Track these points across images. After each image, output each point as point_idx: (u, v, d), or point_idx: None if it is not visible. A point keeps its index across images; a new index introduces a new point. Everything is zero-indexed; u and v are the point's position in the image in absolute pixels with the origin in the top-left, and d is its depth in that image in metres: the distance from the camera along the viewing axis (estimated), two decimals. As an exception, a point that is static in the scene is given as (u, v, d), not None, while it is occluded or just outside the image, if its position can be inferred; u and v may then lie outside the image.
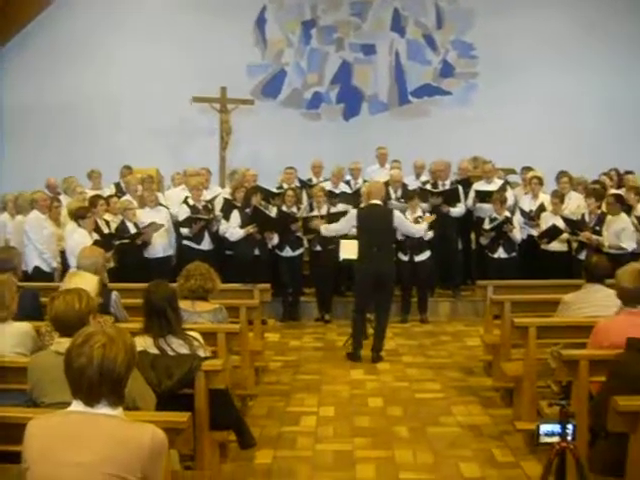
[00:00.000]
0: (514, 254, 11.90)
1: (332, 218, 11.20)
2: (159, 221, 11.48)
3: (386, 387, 8.81)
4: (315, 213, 12.03)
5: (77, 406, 3.16)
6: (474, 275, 12.43)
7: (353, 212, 10.32)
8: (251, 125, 16.23)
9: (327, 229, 10.73)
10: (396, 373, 9.40)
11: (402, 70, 17.52)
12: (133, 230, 11.30)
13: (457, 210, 12.65)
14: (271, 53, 17.44)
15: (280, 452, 6.77)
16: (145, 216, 11.62)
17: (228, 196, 12.41)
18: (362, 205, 10.77)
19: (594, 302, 6.79)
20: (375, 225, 9.80)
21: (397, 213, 10.25)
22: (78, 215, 10.36)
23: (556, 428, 4.70)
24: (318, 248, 12.06)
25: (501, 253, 11.87)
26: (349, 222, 10.20)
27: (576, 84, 16.64)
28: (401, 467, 6.40)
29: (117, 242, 10.93)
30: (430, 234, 11.67)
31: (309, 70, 17.52)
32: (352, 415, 7.78)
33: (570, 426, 4.69)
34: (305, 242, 12.29)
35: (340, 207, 12.06)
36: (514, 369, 7.43)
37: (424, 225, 10.89)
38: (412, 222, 11.15)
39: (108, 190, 13.10)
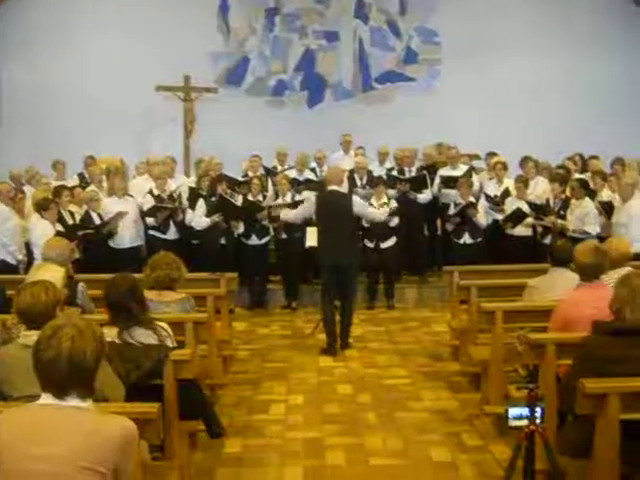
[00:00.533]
0: (480, 239, 11.96)
1: (297, 206, 11.14)
2: (127, 210, 11.42)
3: (354, 374, 8.83)
4: (280, 201, 12.00)
5: (47, 399, 3.14)
6: (440, 261, 12.49)
7: (312, 198, 10.20)
8: (215, 113, 16.13)
9: (286, 215, 10.66)
10: (364, 360, 9.42)
11: (366, 57, 17.51)
12: (98, 221, 11.21)
13: (424, 196, 12.69)
14: (234, 41, 17.35)
15: (250, 441, 6.76)
16: (113, 205, 11.53)
17: (193, 185, 12.37)
18: (320, 192, 10.63)
19: (559, 286, 6.84)
20: (334, 212, 9.62)
21: (356, 199, 10.14)
22: (41, 206, 10.29)
23: (524, 411, 4.73)
24: (284, 236, 12.06)
25: (467, 238, 11.93)
26: (307, 208, 10.05)
27: (539, 69, 16.70)
28: (371, 453, 6.42)
29: (81, 233, 10.83)
30: (396, 220, 11.72)
31: (273, 58, 17.46)
32: (321, 402, 7.79)
33: (538, 409, 4.73)
34: (271, 230, 12.26)
35: (305, 195, 12.02)
36: (481, 354, 7.48)
37: (385, 209, 10.77)
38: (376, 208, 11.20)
39: (72, 181, 13.00)
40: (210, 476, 6.04)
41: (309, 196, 11.07)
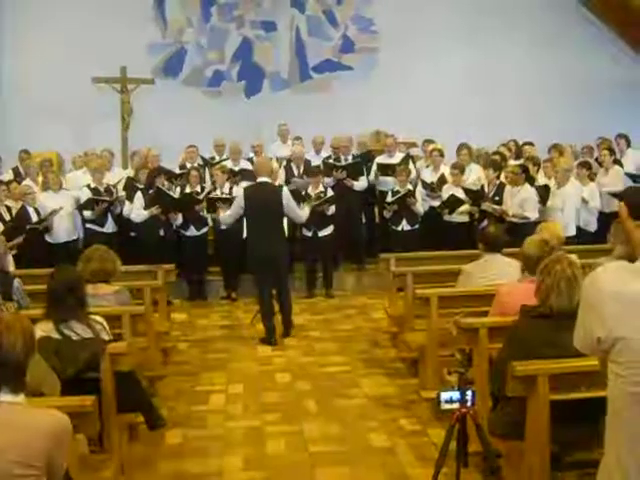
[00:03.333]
0: (417, 226, 12.11)
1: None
2: (62, 204, 11.33)
3: (293, 362, 8.89)
4: (217, 193, 11.93)
5: (-23, 394, 3.14)
6: (378, 248, 12.57)
7: (240, 192, 10.09)
8: (152, 105, 15.98)
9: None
10: (303, 348, 9.48)
11: (303, 46, 17.49)
12: (34, 215, 11.12)
13: (360, 184, 12.75)
14: (171, 32, 17.18)
15: (190, 431, 6.79)
16: (48, 200, 11.45)
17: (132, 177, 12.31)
18: (248, 184, 10.54)
19: (493, 271, 6.98)
20: (263, 204, 9.53)
21: (286, 192, 10.01)
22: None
23: (456, 395, 4.83)
24: (223, 227, 12.02)
25: (404, 225, 12.07)
26: (239, 203, 9.85)
27: (475, 56, 16.86)
28: (310, 440, 6.49)
29: (28, 227, 10.75)
30: (333, 209, 11.76)
31: (209, 48, 17.33)
32: (261, 391, 7.84)
33: (469, 392, 4.83)
34: (209, 221, 12.23)
35: (243, 185, 11.99)
36: (418, 339, 7.59)
37: (307, 211, 10.71)
38: (314, 198, 11.25)
39: (7, 175, 12.86)
40: (151, 468, 6.04)
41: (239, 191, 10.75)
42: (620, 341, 2.39)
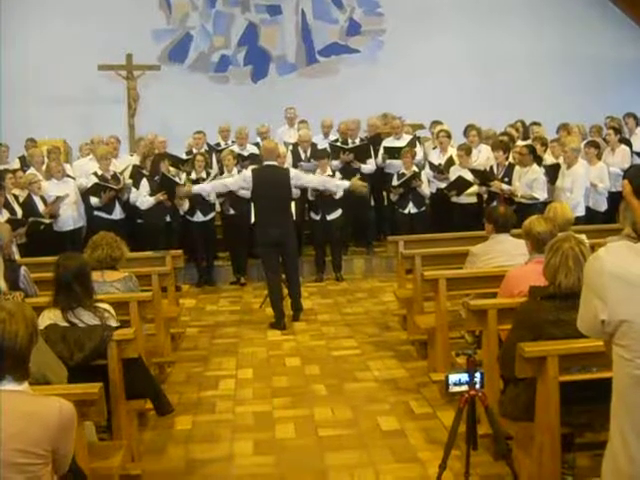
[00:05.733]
0: (424, 208, 12.07)
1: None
2: (65, 192, 11.34)
3: (303, 346, 8.89)
4: (225, 175, 11.93)
5: (-19, 384, 3.12)
6: (387, 231, 12.55)
7: (247, 173, 9.95)
8: (159, 91, 16.02)
9: (226, 183, 10.38)
10: (313, 332, 9.48)
11: (309, 30, 17.42)
12: (40, 203, 11.09)
13: (368, 167, 12.69)
14: (176, 17, 17.13)
15: (200, 417, 6.80)
16: (52, 188, 11.44)
17: (138, 164, 12.28)
18: (255, 166, 10.45)
19: (502, 252, 6.95)
20: (271, 187, 9.50)
21: (293, 171, 10.08)
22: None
23: (464, 377, 4.81)
24: (231, 212, 12.02)
25: (411, 208, 12.02)
26: (239, 181, 9.92)
27: (482, 38, 16.82)
28: (320, 424, 6.48)
29: (31, 220, 10.75)
30: (341, 192, 11.74)
31: (215, 33, 17.28)
32: (270, 376, 7.84)
33: (478, 374, 4.81)
34: (217, 206, 12.20)
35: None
36: (427, 322, 7.56)
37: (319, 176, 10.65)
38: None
39: (14, 164, 12.87)
40: (161, 453, 6.05)
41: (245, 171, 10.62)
42: (624, 324, 2.36)
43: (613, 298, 2.37)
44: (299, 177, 9.95)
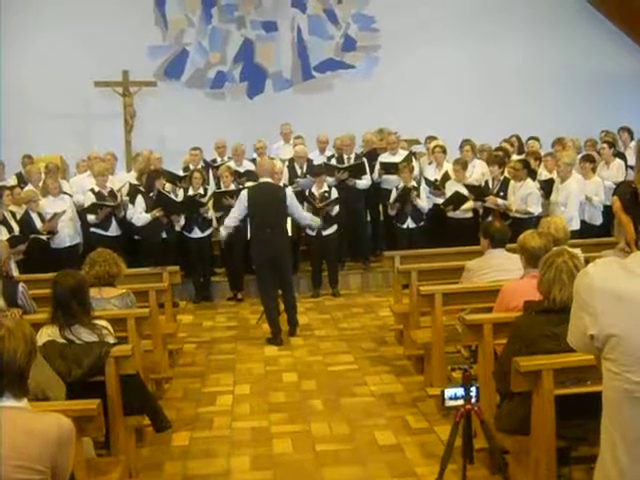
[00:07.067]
0: (422, 223, 12.09)
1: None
2: (62, 209, 11.37)
3: (300, 362, 8.90)
4: (223, 188, 11.99)
5: (-20, 400, 3.14)
6: (383, 246, 12.58)
7: (243, 192, 10.00)
8: (155, 107, 16.05)
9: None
10: (309, 347, 9.50)
11: (304, 46, 17.46)
12: (37, 220, 11.13)
13: (363, 182, 12.72)
14: (172, 34, 17.16)
15: (197, 433, 6.81)
16: (49, 205, 11.49)
17: (135, 181, 12.30)
18: (251, 184, 10.50)
19: (497, 267, 6.98)
20: (266, 204, 9.58)
21: (290, 192, 10.12)
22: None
23: (460, 392, 4.83)
24: (223, 233, 11.98)
25: (410, 223, 12.04)
26: (242, 204, 9.87)
27: (477, 54, 16.88)
28: (317, 439, 6.51)
29: (32, 236, 10.78)
30: (336, 208, 11.76)
31: (211, 49, 17.31)
32: (267, 391, 7.87)
33: (473, 389, 4.83)
34: (214, 222, 12.22)
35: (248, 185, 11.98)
36: (423, 336, 7.58)
37: (309, 215, 10.69)
38: (318, 198, 11.27)
39: (11, 181, 12.90)
40: (158, 470, 6.07)
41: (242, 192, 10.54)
42: (612, 338, 2.37)
43: (601, 313, 2.39)
44: (292, 204, 9.90)
